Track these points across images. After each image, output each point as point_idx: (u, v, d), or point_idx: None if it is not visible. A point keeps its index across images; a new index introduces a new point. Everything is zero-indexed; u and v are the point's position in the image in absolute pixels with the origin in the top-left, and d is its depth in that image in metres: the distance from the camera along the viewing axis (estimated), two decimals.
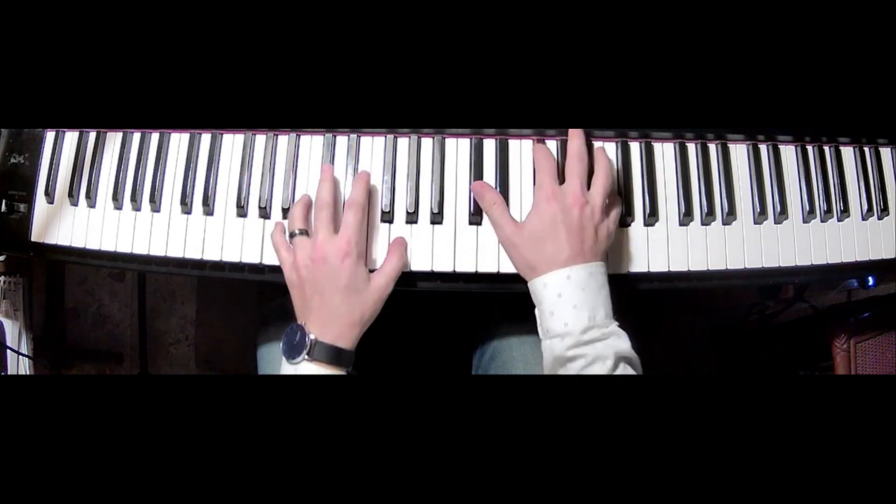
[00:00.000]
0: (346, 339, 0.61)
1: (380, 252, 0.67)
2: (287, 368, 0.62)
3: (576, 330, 0.58)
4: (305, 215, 0.65)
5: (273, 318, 0.85)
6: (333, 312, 0.61)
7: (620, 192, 0.68)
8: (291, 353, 0.61)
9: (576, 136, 0.65)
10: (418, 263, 0.67)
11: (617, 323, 0.60)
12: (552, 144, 0.69)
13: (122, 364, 1.50)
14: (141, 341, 1.45)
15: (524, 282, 0.63)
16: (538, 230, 0.61)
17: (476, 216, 0.67)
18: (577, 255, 0.59)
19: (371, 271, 0.64)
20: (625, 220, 0.68)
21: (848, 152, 0.72)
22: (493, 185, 0.68)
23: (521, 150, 0.69)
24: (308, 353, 0.60)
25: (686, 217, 0.68)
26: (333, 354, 0.60)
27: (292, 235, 0.64)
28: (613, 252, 0.67)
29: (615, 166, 0.68)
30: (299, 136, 0.70)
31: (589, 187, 0.63)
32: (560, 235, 0.60)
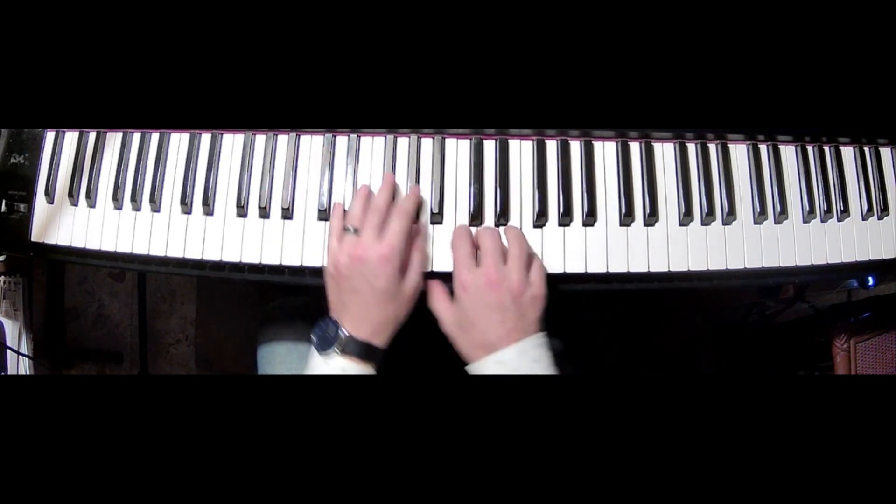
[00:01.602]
0: (378, 337, 0.62)
1: None
2: (317, 360, 0.62)
3: None
4: (365, 213, 0.64)
5: (273, 318, 0.85)
6: (368, 312, 0.61)
7: (620, 193, 0.68)
8: (323, 346, 0.61)
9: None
10: None
11: None
12: (552, 144, 0.69)
13: (122, 364, 1.50)
14: (141, 341, 1.45)
15: None
16: (462, 319, 0.61)
17: (476, 217, 0.67)
18: (503, 337, 0.59)
19: None
20: (625, 221, 0.68)
21: (848, 152, 0.72)
22: (493, 186, 0.68)
23: (521, 150, 0.69)
24: (340, 348, 0.60)
25: (686, 217, 0.68)
26: (365, 350, 0.61)
27: (346, 230, 0.63)
28: (615, 251, 0.67)
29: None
30: (299, 136, 0.70)
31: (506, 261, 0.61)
32: (482, 321, 0.59)
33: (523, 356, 0.59)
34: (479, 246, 0.63)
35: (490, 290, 0.59)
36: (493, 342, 0.59)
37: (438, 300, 0.64)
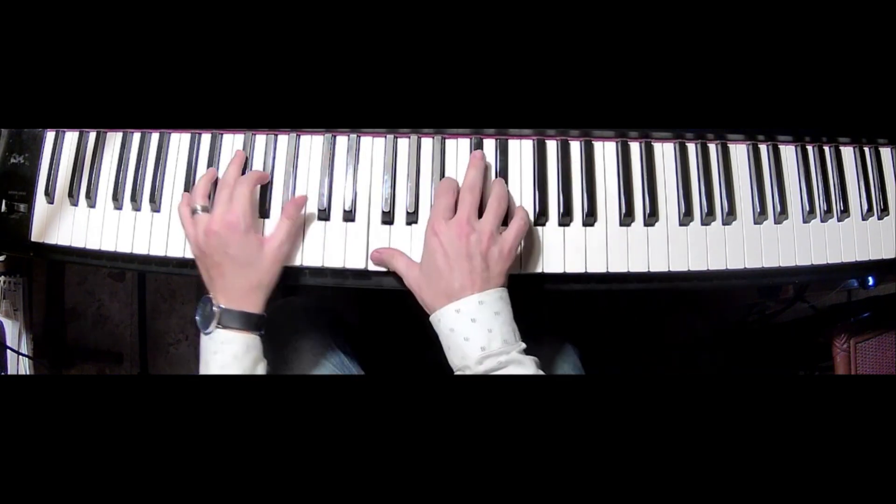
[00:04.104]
0: (250, 303, 0.64)
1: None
2: (204, 339, 0.64)
3: (471, 362, 0.58)
4: (208, 192, 0.67)
5: (273, 318, 0.85)
6: (231, 281, 0.63)
7: (620, 193, 0.68)
8: (205, 324, 0.64)
9: (472, 168, 0.65)
10: None
11: (521, 347, 0.60)
12: (552, 144, 0.69)
13: (122, 364, 1.49)
14: (141, 341, 1.45)
15: (524, 283, 0.63)
16: (427, 266, 0.62)
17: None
18: (467, 286, 0.59)
19: None
20: (625, 221, 0.68)
21: (848, 152, 0.72)
22: None
23: (521, 150, 0.69)
24: (218, 322, 0.62)
25: (686, 217, 0.68)
26: (242, 319, 0.63)
27: (194, 212, 0.65)
28: (615, 251, 0.67)
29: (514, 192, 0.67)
30: (299, 136, 0.70)
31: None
32: (448, 268, 0.60)
33: (484, 307, 0.59)
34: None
35: (459, 240, 0.60)
36: (456, 290, 0.59)
37: (398, 258, 0.65)
